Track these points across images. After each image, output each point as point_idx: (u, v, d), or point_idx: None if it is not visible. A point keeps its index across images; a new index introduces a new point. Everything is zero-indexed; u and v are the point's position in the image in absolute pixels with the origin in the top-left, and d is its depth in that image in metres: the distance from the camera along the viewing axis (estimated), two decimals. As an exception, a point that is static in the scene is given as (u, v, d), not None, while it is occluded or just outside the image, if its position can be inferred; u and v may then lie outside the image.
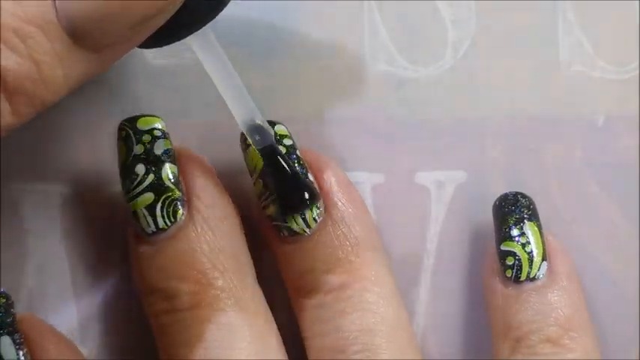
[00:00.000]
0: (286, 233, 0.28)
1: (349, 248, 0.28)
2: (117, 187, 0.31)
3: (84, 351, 0.31)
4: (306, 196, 0.27)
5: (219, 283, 0.27)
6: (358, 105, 0.31)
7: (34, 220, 0.31)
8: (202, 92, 0.31)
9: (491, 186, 0.32)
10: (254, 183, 0.28)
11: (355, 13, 0.32)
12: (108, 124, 0.31)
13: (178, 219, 0.27)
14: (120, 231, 0.31)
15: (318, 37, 0.31)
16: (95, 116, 0.31)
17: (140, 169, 0.27)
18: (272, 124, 0.28)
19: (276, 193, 0.27)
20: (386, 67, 0.32)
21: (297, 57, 0.31)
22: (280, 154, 0.27)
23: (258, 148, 0.27)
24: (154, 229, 0.27)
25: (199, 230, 0.27)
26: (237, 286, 0.27)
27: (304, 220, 0.28)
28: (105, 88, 0.31)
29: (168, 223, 0.27)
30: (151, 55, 0.31)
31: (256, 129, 0.26)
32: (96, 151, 0.31)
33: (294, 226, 0.28)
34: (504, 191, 0.30)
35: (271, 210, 0.28)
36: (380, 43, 0.32)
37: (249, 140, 0.27)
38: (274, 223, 0.28)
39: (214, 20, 0.25)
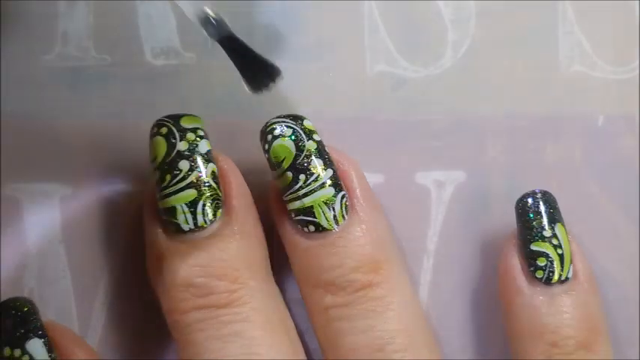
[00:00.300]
0: (312, 229, 0.28)
1: (376, 247, 0.28)
2: (116, 187, 0.31)
3: (84, 351, 0.31)
4: (273, 70, 0.27)
5: (252, 283, 0.27)
6: (358, 105, 0.31)
7: (34, 220, 0.31)
8: (202, 92, 0.31)
9: (491, 186, 0.32)
10: (279, 176, 0.28)
11: (355, 13, 0.32)
12: (108, 124, 0.31)
13: (217, 218, 0.27)
14: (120, 231, 0.31)
15: (318, 37, 0.31)
16: (95, 116, 0.31)
17: (184, 165, 0.27)
18: (299, 118, 0.28)
19: (244, 75, 0.27)
20: (386, 67, 0.32)
21: (297, 57, 0.31)
22: (238, 39, 0.27)
23: (216, 39, 0.26)
24: (192, 227, 0.27)
25: (236, 231, 0.28)
26: (266, 287, 0.28)
27: (334, 216, 0.28)
28: (105, 88, 0.31)
29: (208, 222, 0.27)
30: (152, 54, 0.31)
31: (209, 20, 0.26)
32: (96, 150, 0.31)
33: (323, 222, 0.28)
34: (504, 191, 0.30)
35: (296, 204, 0.28)
36: (380, 43, 0.32)
37: (205, 33, 0.26)
38: (299, 217, 0.28)
39: None
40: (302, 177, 0.28)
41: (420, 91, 0.32)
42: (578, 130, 0.32)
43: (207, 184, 0.27)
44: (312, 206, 0.28)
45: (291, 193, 0.28)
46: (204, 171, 0.27)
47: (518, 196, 0.30)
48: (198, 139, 0.28)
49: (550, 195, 0.29)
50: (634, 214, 0.32)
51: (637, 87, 0.32)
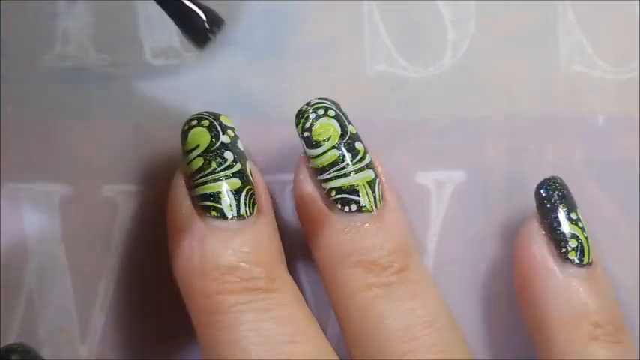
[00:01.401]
0: (354, 208, 0.28)
1: (406, 235, 0.29)
2: (117, 187, 0.31)
3: (84, 350, 0.31)
4: (215, 18, 0.27)
5: (285, 275, 0.28)
6: (358, 105, 0.31)
7: (34, 220, 0.31)
8: (202, 92, 0.31)
9: (491, 186, 0.32)
10: (319, 155, 0.28)
11: (355, 13, 0.32)
12: (108, 124, 0.31)
13: (255, 211, 0.28)
14: (120, 231, 0.31)
15: (318, 37, 0.31)
16: (95, 116, 0.31)
17: (229, 155, 0.28)
18: (336, 103, 0.29)
19: (184, 25, 0.27)
20: (385, 67, 0.32)
21: (297, 57, 0.31)
22: None
23: None
24: (235, 214, 0.28)
25: (268, 224, 0.28)
26: (289, 276, 0.29)
27: (375, 199, 0.28)
28: (105, 88, 0.31)
29: (248, 213, 0.28)
30: (152, 54, 0.31)
31: None
32: (96, 150, 0.31)
33: (366, 203, 0.28)
34: (504, 191, 0.30)
35: (340, 182, 0.28)
36: (380, 43, 0.32)
37: None
38: (341, 196, 0.28)
39: None
40: (349, 155, 0.28)
41: (420, 91, 0.32)
42: (578, 130, 0.32)
43: (249, 178, 0.28)
44: (357, 185, 0.28)
45: (335, 171, 0.28)
46: (245, 165, 0.28)
47: (518, 196, 0.31)
48: (235, 137, 0.28)
49: (565, 183, 0.30)
50: (634, 214, 0.32)
51: (637, 87, 0.32)
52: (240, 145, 0.28)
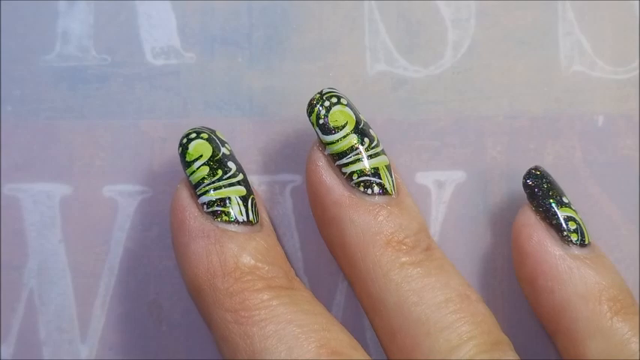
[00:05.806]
0: (377, 190, 0.29)
1: (422, 216, 0.29)
2: (116, 187, 0.31)
3: (84, 350, 0.31)
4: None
5: (296, 276, 0.29)
6: (358, 105, 0.31)
7: (34, 220, 0.31)
8: (202, 92, 0.31)
9: (491, 186, 0.32)
10: (338, 140, 0.29)
11: (355, 13, 0.32)
12: (108, 124, 0.31)
13: (259, 219, 0.29)
14: (120, 231, 0.31)
15: (318, 37, 0.31)
16: (96, 116, 0.31)
17: (232, 165, 0.28)
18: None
19: None
20: (386, 67, 0.32)
21: (297, 57, 0.31)
22: None
23: None
24: (245, 219, 0.28)
25: (272, 232, 0.29)
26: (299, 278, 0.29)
27: (393, 182, 0.29)
28: (105, 88, 0.31)
29: (255, 220, 0.28)
30: (152, 54, 0.31)
31: None
32: (96, 150, 0.31)
33: (387, 185, 0.29)
34: (504, 191, 0.30)
35: (362, 165, 0.29)
36: (380, 43, 0.32)
37: None
38: (363, 178, 0.29)
39: None
40: (367, 140, 0.29)
41: (420, 91, 0.32)
42: (578, 130, 0.32)
43: (251, 187, 0.29)
44: (378, 168, 0.29)
45: (355, 155, 0.29)
46: (246, 175, 0.29)
47: (518, 196, 0.30)
48: (232, 151, 0.29)
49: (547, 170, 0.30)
50: (634, 214, 0.32)
51: (637, 87, 0.32)
52: (236, 159, 0.29)
